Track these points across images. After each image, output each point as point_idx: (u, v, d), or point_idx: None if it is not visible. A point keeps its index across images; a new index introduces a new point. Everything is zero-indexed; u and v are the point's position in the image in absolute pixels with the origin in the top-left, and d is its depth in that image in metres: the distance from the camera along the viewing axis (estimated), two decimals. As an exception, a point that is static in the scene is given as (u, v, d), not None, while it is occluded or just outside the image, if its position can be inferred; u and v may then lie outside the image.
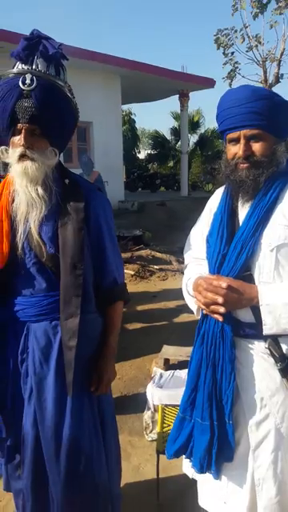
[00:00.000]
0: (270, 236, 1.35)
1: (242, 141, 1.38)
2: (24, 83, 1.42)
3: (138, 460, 2.59)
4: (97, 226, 1.59)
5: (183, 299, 1.65)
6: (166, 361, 3.46)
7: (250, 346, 1.41)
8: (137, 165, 21.58)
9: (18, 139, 1.47)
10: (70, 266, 1.50)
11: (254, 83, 6.90)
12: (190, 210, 10.11)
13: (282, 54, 6.68)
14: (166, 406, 2.44)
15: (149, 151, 23.10)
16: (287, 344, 1.36)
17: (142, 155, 24.61)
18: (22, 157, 1.47)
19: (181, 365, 3.27)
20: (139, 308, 5.25)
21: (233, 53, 6.91)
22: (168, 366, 3.43)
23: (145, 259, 7.33)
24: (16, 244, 1.51)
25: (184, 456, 1.52)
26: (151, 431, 2.77)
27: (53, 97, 1.46)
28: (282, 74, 6.93)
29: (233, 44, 6.84)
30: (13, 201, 1.53)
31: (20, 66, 1.47)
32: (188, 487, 1.84)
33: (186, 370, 1.56)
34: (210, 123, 23.55)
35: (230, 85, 7.02)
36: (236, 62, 6.96)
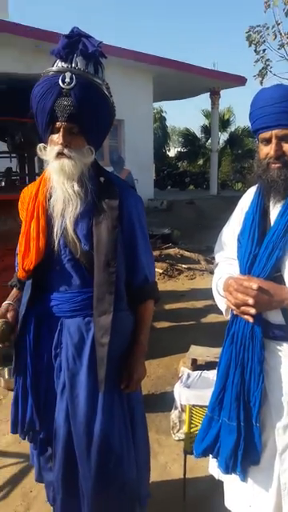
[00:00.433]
0: None
1: (274, 140, 1.38)
2: (64, 81, 1.43)
3: (165, 459, 2.59)
4: (130, 224, 1.60)
5: (212, 299, 1.64)
6: (194, 361, 3.44)
7: (279, 347, 1.40)
8: (166, 163, 21.52)
9: (57, 137, 1.48)
10: (103, 263, 1.51)
11: (285, 81, 6.76)
12: (219, 208, 10.02)
13: (313, 52, 6.50)
14: (194, 406, 2.43)
15: (179, 149, 22.99)
16: None
17: (171, 153, 24.52)
18: (60, 155, 1.49)
19: (208, 365, 3.25)
20: (167, 307, 5.24)
21: (264, 50, 6.77)
22: (195, 366, 3.41)
23: (173, 258, 7.31)
24: (52, 240, 1.54)
25: (211, 455, 1.52)
26: (178, 430, 2.76)
27: (91, 95, 1.47)
28: (314, 72, 6.74)
29: (264, 41, 6.70)
30: (50, 197, 1.56)
31: (60, 64, 1.49)
32: (214, 488, 1.83)
33: (214, 371, 1.56)
34: (240, 121, 23.26)
35: (261, 83, 6.89)
36: (267, 60, 6.82)
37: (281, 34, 6.56)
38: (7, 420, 2.81)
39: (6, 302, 1.73)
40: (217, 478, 1.62)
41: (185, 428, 2.32)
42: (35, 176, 3.87)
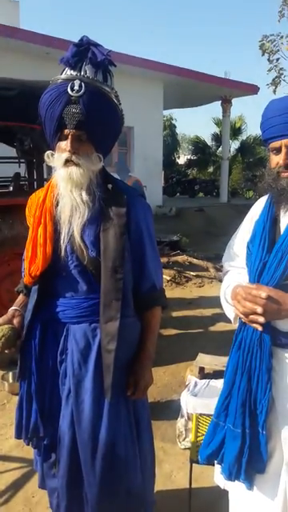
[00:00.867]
0: None
1: (284, 150, 1.40)
2: (72, 89, 1.45)
3: (170, 467, 2.57)
4: (138, 231, 1.60)
5: (220, 307, 1.63)
6: (201, 369, 3.42)
7: (287, 355, 1.39)
8: (176, 170, 21.56)
9: (65, 144, 1.49)
10: (110, 269, 1.51)
11: (298, 90, 6.76)
12: (229, 216, 10.00)
13: None
14: (201, 414, 2.41)
15: (188, 156, 23.03)
16: None
17: (181, 160, 24.58)
18: (68, 162, 1.50)
19: (216, 374, 3.22)
20: (174, 314, 5.22)
21: (278, 59, 6.80)
22: (203, 374, 3.39)
23: (181, 265, 7.30)
24: (59, 246, 1.54)
25: (216, 461, 1.51)
26: (184, 439, 2.74)
27: (100, 103, 1.48)
28: None
29: (278, 50, 6.73)
30: (57, 204, 1.56)
31: (69, 72, 1.50)
32: (220, 498, 1.81)
33: (222, 380, 1.55)
34: (252, 130, 23.23)
35: (275, 91, 6.92)
36: (281, 69, 6.84)
37: (295, 43, 6.58)
38: (11, 424, 2.82)
39: (13, 307, 1.74)
40: (222, 487, 1.60)
41: (191, 437, 2.30)
42: (43, 182, 3.91)
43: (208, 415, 2.36)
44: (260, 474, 1.40)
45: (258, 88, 13.81)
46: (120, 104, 1.57)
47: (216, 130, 19.86)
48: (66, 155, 1.49)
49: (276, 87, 6.92)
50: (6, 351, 1.65)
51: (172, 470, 2.55)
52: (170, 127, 21.68)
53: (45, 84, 1.58)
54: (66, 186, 1.52)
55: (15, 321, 1.68)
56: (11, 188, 4.16)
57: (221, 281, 1.68)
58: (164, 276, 6.43)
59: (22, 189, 4.23)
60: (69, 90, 1.45)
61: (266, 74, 6.95)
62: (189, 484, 2.19)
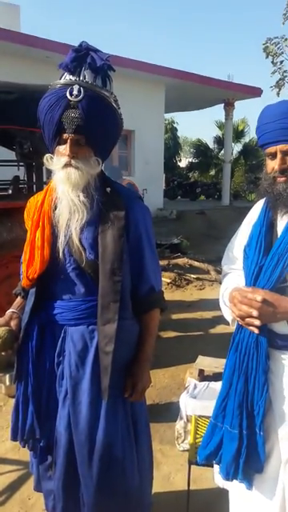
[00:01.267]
0: None
1: (279, 155, 1.41)
2: (71, 94, 1.46)
3: (169, 469, 2.58)
4: (136, 233, 1.61)
5: (220, 310, 1.64)
6: (201, 371, 3.42)
7: (284, 357, 1.40)
8: (177, 173, 21.58)
9: (64, 148, 1.51)
10: (108, 272, 1.52)
11: (302, 93, 6.78)
12: (231, 219, 9.98)
13: None
14: (200, 416, 2.41)
15: (190, 159, 23.05)
16: None
17: (182, 163, 24.60)
18: (67, 166, 1.51)
19: (216, 377, 3.23)
20: (174, 317, 5.23)
21: (282, 61, 6.82)
22: (203, 376, 3.39)
23: (181, 268, 7.31)
24: (57, 249, 1.56)
25: (214, 462, 1.52)
26: (183, 441, 2.74)
27: (99, 108, 1.50)
28: None
29: (282, 53, 6.75)
30: (55, 207, 1.58)
31: (68, 77, 1.51)
32: (218, 500, 1.82)
33: (221, 382, 1.56)
34: (255, 132, 23.17)
35: (278, 94, 6.94)
36: (285, 71, 6.86)
37: (299, 45, 6.60)
38: (7, 426, 2.83)
39: (10, 310, 1.75)
40: (221, 486, 1.61)
41: (190, 438, 2.31)
42: (43, 185, 3.93)
43: (207, 417, 2.35)
44: (258, 473, 1.41)
45: (262, 91, 13.81)
46: (119, 108, 1.58)
47: (218, 132, 19.89)
48: (65, 159, 1.51)
49: (280, 89, 6.95)
50: (3, 353, 1.66)
51: (170, 472, 2.55)
52: (171, 130, 21.69)
53: (44, 88, 1.60)
54: (63, 188, 1.53)
55: (13, 323, 1.69)
56: (10, 191, 4.17)
57: (221, 283, 1.69)
58: (164, 279, 6.47)
59: (21, 192, 4.25)
60: (68, 94, 1.46)
61: (270, 76, 6.98)
62: (187, 486, 2.19)
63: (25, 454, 2.30)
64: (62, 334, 1.61)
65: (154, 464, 1.88)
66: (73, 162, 1.50)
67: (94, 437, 1.55)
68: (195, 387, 2.87)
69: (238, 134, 19.37)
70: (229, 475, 1.43)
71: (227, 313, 1.55)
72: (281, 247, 1.39)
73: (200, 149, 20.54)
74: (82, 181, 1.52)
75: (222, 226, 10.58)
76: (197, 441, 2.20)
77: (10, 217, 3.76)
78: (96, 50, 1.53)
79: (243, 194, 19.53)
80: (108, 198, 1.58)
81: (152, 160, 12.40)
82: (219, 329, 4.75)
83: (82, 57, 1.51)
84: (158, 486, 2.26)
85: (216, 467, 1.58)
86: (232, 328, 1.56)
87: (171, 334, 4.70)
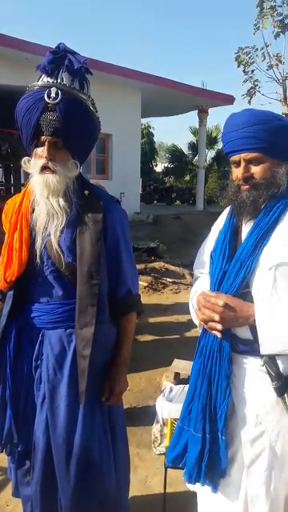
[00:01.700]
0: (269, 255, 1.37)
1: (242, 163, 1.43)
2: (49, 96, 1.46)
3: (146, 473, 2.58)
4: (114, 237, 1.62)
5: (196, 314, 1.65)
6: (177, 375, 3.44)
7: (246, 362, 1.42)
8: (153, 178, 21.69)
9: (41, 151, 1.50)
10: (86, 275, 1.52)
11: (273, 101, 6.92)
12: (205, 224, 10.06)
13: (301, 74, 6.69)
14: (176, 420, 2.42)
15: (166, 164, 23.21)
16: (283, 363, 1.36)
17: (159, 168, 24.76)
18: (44, 168, 1.50)
19: (191, 379, 3.25)
20: (151, 320, 5.24)
21: (253, 71, 6.95)
22: (178, 380, 3.41)
23: (158, 271, 7.33)
24: (34, 252, 1.55)
25: (180, 465, 1.52)
26: (159, 444, 2.75)
27: (76, 111, 1.50)
28: (302, 93, 6.92)
29: (253, 62, 6.88)
30: (33, 210, 1.57)
31: (45, 79, 1.51)
32: (194, 503, 1.82)
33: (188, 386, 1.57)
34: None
35: (250, 102, 7.06)
36: (256, 80, 6.99)
37: (270, 55, 6.75)
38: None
39: None
40: (191, 489, 1.62)
41: (166, 442, 2.32)
42: (20, 187, 3.88)
43: (183, 420, 2.38)
44: (221, 477, 1.42)
45: (234, 98, 14.05)
46: (97, 112, 1.59)
47: (193, 138, 20.14)
48: (42, 162, 1.50)
49: (251, 98, 7.06)
50: None
51: (147, 476, 2.55)
52: (147, 135, 21.83)
53: (22, 89, 1.58)
54: (42, 193, 1.53)
55: None
56: None
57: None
58: (141, 282, 6.48)
59: (-2, 194, 4.20)
60: (45, 97, 1.45)
61: (242, 85, 7.09)
62: (163, 489, 2.20)
63: (2, 460, 2.24)
64: (40, 338, 1.60)
65: (130, 467, 1.88)
66: (50, 164, 1.50)
67: (71, 440, 1.55)
68: (171, 390, 2.88)
69: (212, 141, 19.67)
70: (191, 478, 1.44)
71: (195, 316, 1.57)
72: (243, 253, 1.40)
73: (175, 154, 20.74)
74: (60, 185, 1.51)
75: (196, 230, 10.67)
76: (173, 444, 2.21)
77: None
78: (73, 53, 1.53)
79: (216, 200, 19.79)
80: (86, 201, 1.58)
81: (129, 164, 12.43)
82: (194, 332, 4.79)
83: (59, 59, 1.51)
84: (135, 490, 2.26)
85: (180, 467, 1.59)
86: (198, 330, 1.57)
87: (148, 337, 4.70)
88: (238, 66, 6.96)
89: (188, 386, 1.54)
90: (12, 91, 3.50)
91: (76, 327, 1.54)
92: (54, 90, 1.46)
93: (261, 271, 1.37)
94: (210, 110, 15.10)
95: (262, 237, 1.39)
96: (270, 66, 6.80)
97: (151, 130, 22.35)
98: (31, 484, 1.64)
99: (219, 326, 1.36)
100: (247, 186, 1.42)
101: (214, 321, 1.37)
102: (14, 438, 1.63)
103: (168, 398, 2.77)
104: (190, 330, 4.89)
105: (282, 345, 1.31)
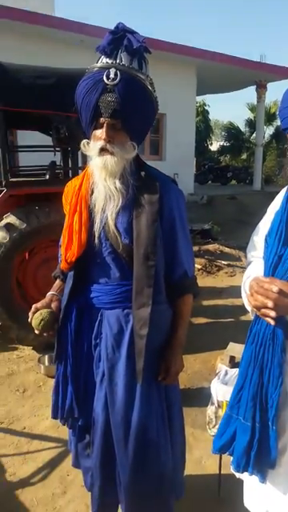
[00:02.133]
0: None
1: None
2: (108, 78, 1.45)
3: (200, 453, 2.60)
4: (170, 218, 1.60)
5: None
6: (232, 358, 3.41)
7: None
8: (208, 157, 21.27)
9: (100, 133, 1.51)
10: (143, 256, 1.53)
11: None
12: (262, 204, 9.72)
13: None
14: (231, 402, 2.41)
15: (221, 143, 22.64)
16: None
17: (214, 147, 24.18)
18: (103, 150, 1.51)
19: (247, 363, 3.21)
20: (205, 303, 5.22)
21: None
22: (233, 363, 3.37)
23: (212, 254, 7.24)
24: (93, 234, 1.57)
25: (227, 453, 1.50)
26: (214, 426, 2.75)
27: (135, 91, 1.48)
28: None
29: None
30: (92, 192, 1.59)
31: (104, 60, 1.50)
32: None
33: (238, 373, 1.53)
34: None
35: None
36: None
37: None
38: (47, 405, 2.92)
39: (50, 292, 1.79)
40: (237, 476, 1.60)
41: (221, 424, 2.32)
42: (78, 170, 3.95)
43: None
44: (270, 468, 1.37)
45: (294, 72, 13.36)
46: (155, 91, 1.56)
47: (250, 115, 19.42)
48: (100, 144, 1.51)
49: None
50: (45, 334, 1.70)
51: (202, 456, 2.58)
52: (202, 113, 21.31)
53: (80, 72, 1.59)
54: (100, 175, 1.54)
55: (53, 305, 1.74)
56: (47, 176, 4.23)
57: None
58: (195, 265, 6.42)
59: (57, 177, 4.30)
60: (104, 78, 1.45)
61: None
62: (218, 470, 2.21)
63: (63, 432, 2.36)
64: (99, 317, 1.64)
65: (186, 447, 1.90)
66: (108, 146, 1.50)
67: (129, 418, 1.58)
68: (226, 373, 2.86)
69: (270, 117, 18.84)
70: (239, 467, 1.40)
71: (247, 302, 1.52)
72: None
73: (231, 132, 20.13)
74: (118, 167, 1.52)
75: (253, 211, 10.37)
76: (228, 426, 2.21)
77: (47, 202, 3.82)
78: (133, 32, 1.51)
79: (275, 179, 19.08)
80: (143, 183, 1.58)
81: (183, 144, 12.25)
82: (250, 316, 4.71)
83: (118, 39, 1.49)
84: (189, 470, 2.29)
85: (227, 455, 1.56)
86: (251, 316, 1.53)
87: (202, 320, 4.69)
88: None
89: (238, 372, 1.51)
90: (69, 75, 3.54)
91: (133, 307, 1.56)
92: (112, 70, 1.45)
93: None
94: (269, 85, 14.46)
95: None
96: None
97: (206, 107, 21.80)
98: (91, 457, 1.71)
99: (272, 313, 1.29)
100: None
101: (267, 307, 1.30)
102: (75, 413, 1.70)
103: (223, 381, 2.76)
104: (246, 314, 4.79)
105: None
